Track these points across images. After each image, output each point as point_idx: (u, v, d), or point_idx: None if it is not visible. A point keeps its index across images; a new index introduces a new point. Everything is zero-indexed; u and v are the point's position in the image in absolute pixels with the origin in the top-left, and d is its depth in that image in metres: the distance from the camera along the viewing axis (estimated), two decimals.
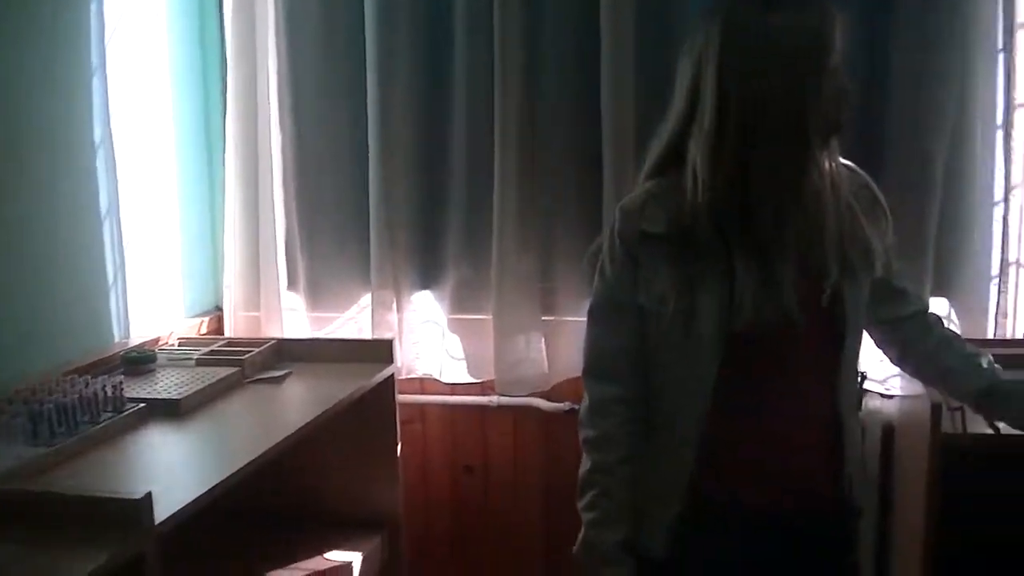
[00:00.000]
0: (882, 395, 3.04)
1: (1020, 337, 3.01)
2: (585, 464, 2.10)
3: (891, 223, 2.13)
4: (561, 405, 3.29)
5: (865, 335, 2.17)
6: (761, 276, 1.93)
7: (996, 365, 2.28)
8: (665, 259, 1.98)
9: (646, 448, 2.09)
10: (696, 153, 1.94)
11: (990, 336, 3.01)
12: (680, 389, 2.03)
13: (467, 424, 3.49)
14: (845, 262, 1.98)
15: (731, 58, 1.89)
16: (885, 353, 2.35)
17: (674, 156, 2.00)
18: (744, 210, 1.92)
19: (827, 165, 1.97)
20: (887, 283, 2.15)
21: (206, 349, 3.10)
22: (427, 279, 3.40)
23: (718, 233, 1.94)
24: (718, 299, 1.94)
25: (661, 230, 1.98)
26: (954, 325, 3.03)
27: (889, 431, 3.05)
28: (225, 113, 3.41)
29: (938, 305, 3.02)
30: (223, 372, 2.88)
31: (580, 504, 2.11)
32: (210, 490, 2.11)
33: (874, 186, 2.13)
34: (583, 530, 2.10)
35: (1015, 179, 2.96)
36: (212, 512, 2.11)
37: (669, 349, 2.02)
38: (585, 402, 2.13)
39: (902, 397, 2.91)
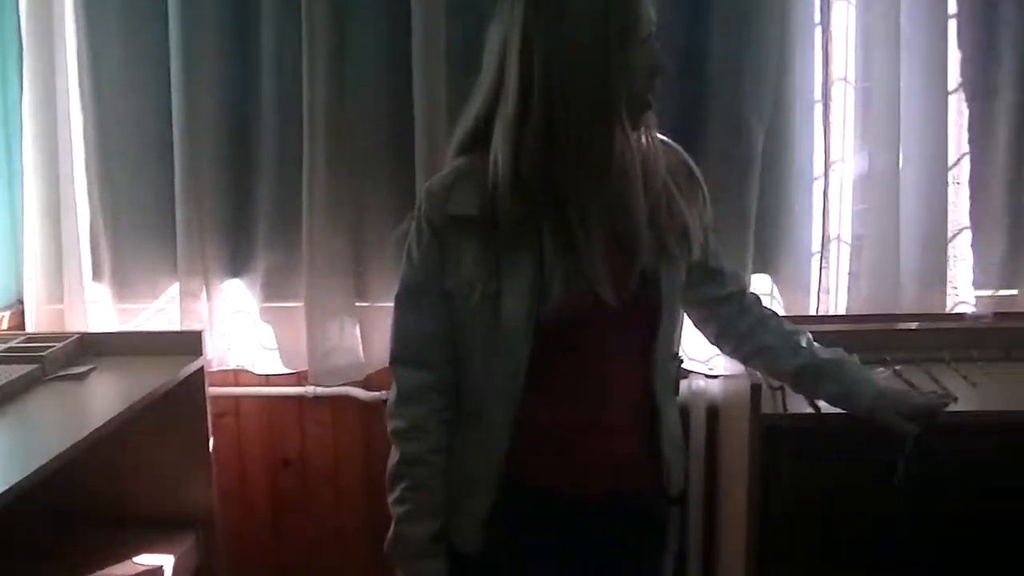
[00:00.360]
0: (706, 375, 3.04)
1: (842, 313, 3.05)
2: (394, 456, 2.04)
3: (709, 201, 2.11)
4: (379, 394, 3.22)
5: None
6: (571, 257, 1.88)
7: (815, 343, 2.29)
8: (473, 242, 1.92)
9: (457, 438, 2.05)
10: (501, 129, 1.89)
11: (812, 312, 3.04)
12: (491, 376, 1.97)
13: (283, 416, 3.39)
14: (660, 244, 1.95)
15: (535, 28, 1.83)
16: (703, 333, 2.33)
17: (483, 131, 1.94)
18: (550, 189, 1.87)
19: (643, 140, 1.94)
20: (704, 263, 2.13)
21: (3, 346, 2.95)
22: (237, 266, 3.29)
23: (526, 213, 1.88)
24: (527, 282, 1.89)
25: (469, 212, 1.91)
26: (776, 302, 3.07)
27: (713, 412, 3.06)
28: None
29: (760, 282, 3.06)
30: (20, 370, 2.76)
31: (390, 498, 2.05)
32: (1, 494, 2.01)
33: (692, 163, 2.09)
34: (393, 525, 2.04)
35: (834, 154, 2.98)
36: (10, 517, 2.03)
37: (479, 335, 1.96)
38: (393, 391, 2.06)
39: (725, 377, 2.91)
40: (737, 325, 2.26)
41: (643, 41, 1.87)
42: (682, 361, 2.25)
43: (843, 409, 2.28)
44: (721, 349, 2.36)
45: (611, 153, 1.87)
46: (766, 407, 2.40)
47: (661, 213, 1.96)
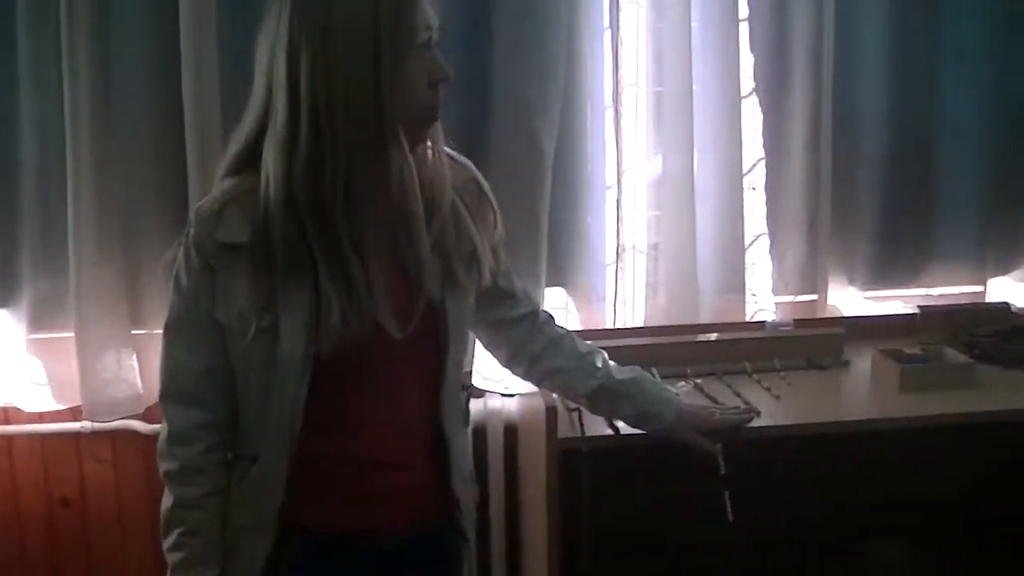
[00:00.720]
0: (502, 394, 2.98)
1: (640, 325, 3.01)
2: (167, 499, 1.93)
3: (499, 217, 2.03)
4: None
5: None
6: (347, 287, 1.78)
7: (611, 362, 2.27)
8: (246, 271, 1.80)
9: (235, 478, 1.94)
10: (270, 148, 1.78)
11: (609, 326, 3.00)
12: (268, 412, 1.87)
13: (60, 454, 3.20)
14: (448, 272, 1.88)
15: (300, 38, 1.73)
16: (493, 356, 2.28)
17: (254, 150, 1.82)
18: (324, 214, 1.77)
19: (429, 156, 1.86)
20: (495, 284, 2.06)
21: None
22: (1, 297, 3.10)
23: (300, 241, 1.78)
24: (304, 314, 1.79)
25: (240, 239, 1.80)
26: (572, 315, 3.01)
27: (512, 431, 2.99)
28: None
29: (554, 295, 3.00)
30: None
31: (165, 544, 1.94)
32: None
33: (480, 178, 2.02)
34: (169, 573, 1.93)
35: (627, 161, 2.95)
36: None
37: (254, 371, 1.86)
38: (164, 430, 1.94)
39: (521, 396, 2.85)
40: (530, 347, 2.21)
41: (420, 48, 1.78)
42: (471, 390, 2.19)
43: (643, 430, 2.27)
44: (513, 371, 2.30)
45: (387, 174, 1.78)
46: (563, 430, 2.35)
47: (448, 238, 1.89)
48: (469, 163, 2.02)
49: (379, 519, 1.95)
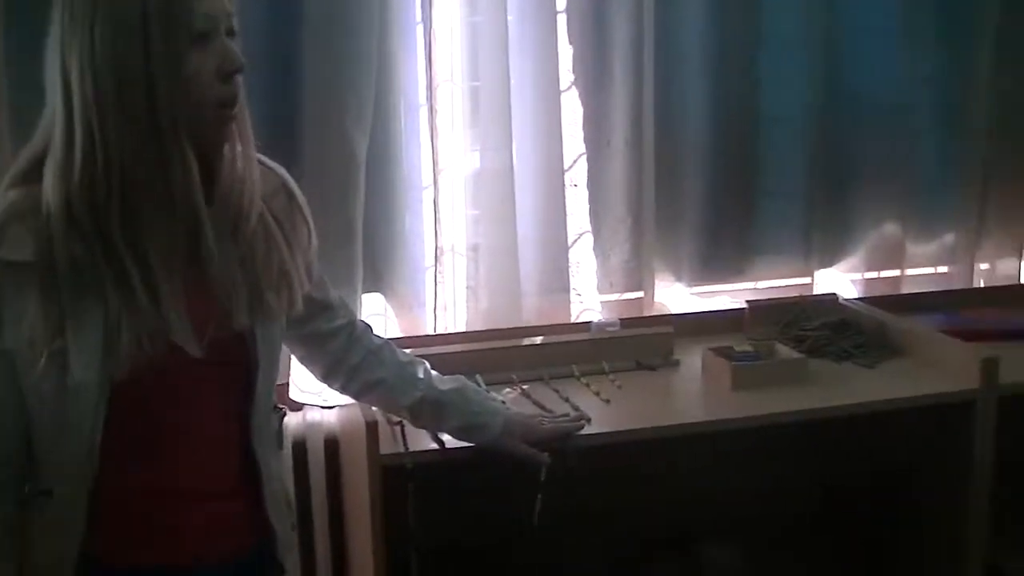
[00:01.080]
0: (321, 407, 2.88)
1: (462, 330, 2.95)
2: None
3: (312, 227, 1.94)
4: None
5: None
6: (134, 303, 1.66)
7: (433, 372, 2.22)
8: (33, 293, 1.66)
9: (29, 516, 1.81)
10: (50, 158, 1.65)
11: (430, 332, 2.93)
12: (63, 443, 1.74)
13: None
14: (255, 294, 1.78)
15: (71, 39, 1.61)
16: (310, 371, 2.20)
17: (40, 160, 1.69)
18: (101, 225, 1.65)
19: (236, 162, 1.75)
20: (309, 297, 1.96)
21: None
22: None
23: (86, 255, 1.65)
24: (95, 336, 1.66)
25: (25, 257, 1.66)
26: (391, 322, 2.94)
27: (333, 444, 2.89)
28: None
29: (372, 302, 2.92)
30: None
31: None
32: None
33: (292, 185, 1.92)
34: None
35: (444, 159, 2.87)
36: None
37: (47, 398, 1.72)
38: None
39: (341, 407, 2.75)
40: (347, 360, 2.14)
41: (203, 39, 1.65)
42: (284, 413, 2.10)
43: (469, 442, 2.22)
44: (331, 386, 2.23)
45: (168, 180, 1.66)
46: (387, 444, 2.27)
47: (258, 254, 1.79)
48: (279, 169, 1.93)
49: (190, 552, 1.85)
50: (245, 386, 1.85)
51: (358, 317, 2.24)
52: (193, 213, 1.69)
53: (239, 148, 1.77)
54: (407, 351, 2.27)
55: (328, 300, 2.09)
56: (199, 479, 1.84)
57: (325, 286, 2.08)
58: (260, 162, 1.85)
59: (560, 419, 2.36)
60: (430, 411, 2.18)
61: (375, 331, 2.24)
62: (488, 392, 2.48)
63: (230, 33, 1.70)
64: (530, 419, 2.33)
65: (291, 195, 1.91)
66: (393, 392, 2.17)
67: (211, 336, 1.75)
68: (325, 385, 2.24)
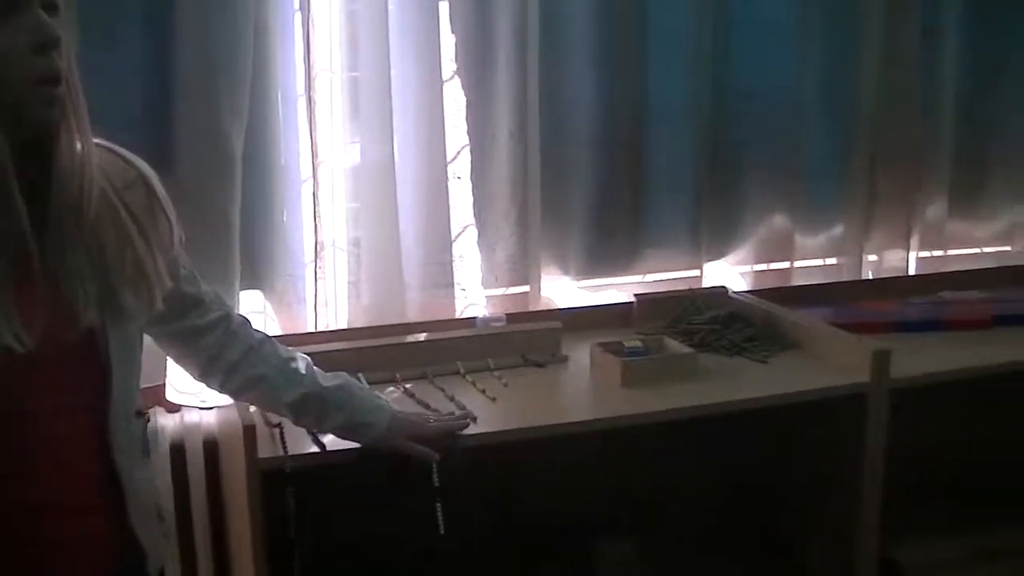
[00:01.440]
0: (199, 407, 2.82)
1: (344, 327, 2.91)
2: None
3: (174, 222, 1.84)
4: None
5: None
6: None
7: (316, 368, 2.16)
8: None
9: None
10: None
11: (311, 329, 2.88)
12: None
13: None
14: (108, 294, 1.69)
15: None
16: (186, 370, 2.12)
17: None
18: None
19: (75, 148, 1.63)
20: (179, 291, 1.90)
21: None
22: None
23: None
24: None
25: None
26: (271, 320, 2.88)
27: (213, 447, 2.83)
28: None
29: (251, 299, 2.87)
30: None
31: None
32: None
33: (151, 179, 1.81)
34: None
35: (323, 152, 2.83)
36: None
37: None
38: None
39: (220, 409, 2.69)
40: (225, 356, 2.07)
41: (9, 10, 1.53)
42: (148, 419, 2.03)
43: (353, 441, 2.17)
44: (209, 385, 2.14)
45: None
46: (264, 449, 2.21)
47: (107, 250, 1.68)
48: (139, 162, 1.82)
49: (50, 572, 1.76)
50: (100, 391, 1.75)
51: (235, 312, 2.18)
52: (6, 202, 1.57)
53: (76, 132, 1.64)
54: (288, 348, 2.21)
55: (200, 295, 2.01)
56: (55, 493, 1.74)
57: (196, 280, 2.00)
58: (118, 154, 1.77)
59: (446, 418, 2.32)
60: (314, 408, 2.12)
61: (254, 326, 2.19)
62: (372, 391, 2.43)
63: (50, 8, 1.57)
64: (417, 417, 2.29)
65: (150, 189, 1.80)
66: (275, 389, 2.10)
67: (55, 334, 1.64)
68: (203, 384, 2.16)
